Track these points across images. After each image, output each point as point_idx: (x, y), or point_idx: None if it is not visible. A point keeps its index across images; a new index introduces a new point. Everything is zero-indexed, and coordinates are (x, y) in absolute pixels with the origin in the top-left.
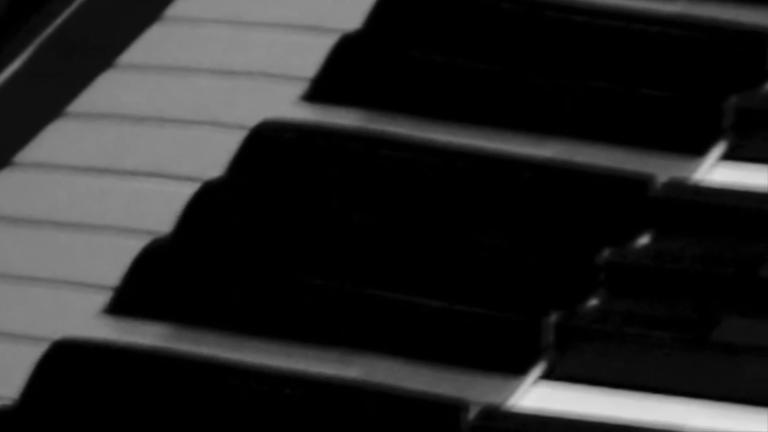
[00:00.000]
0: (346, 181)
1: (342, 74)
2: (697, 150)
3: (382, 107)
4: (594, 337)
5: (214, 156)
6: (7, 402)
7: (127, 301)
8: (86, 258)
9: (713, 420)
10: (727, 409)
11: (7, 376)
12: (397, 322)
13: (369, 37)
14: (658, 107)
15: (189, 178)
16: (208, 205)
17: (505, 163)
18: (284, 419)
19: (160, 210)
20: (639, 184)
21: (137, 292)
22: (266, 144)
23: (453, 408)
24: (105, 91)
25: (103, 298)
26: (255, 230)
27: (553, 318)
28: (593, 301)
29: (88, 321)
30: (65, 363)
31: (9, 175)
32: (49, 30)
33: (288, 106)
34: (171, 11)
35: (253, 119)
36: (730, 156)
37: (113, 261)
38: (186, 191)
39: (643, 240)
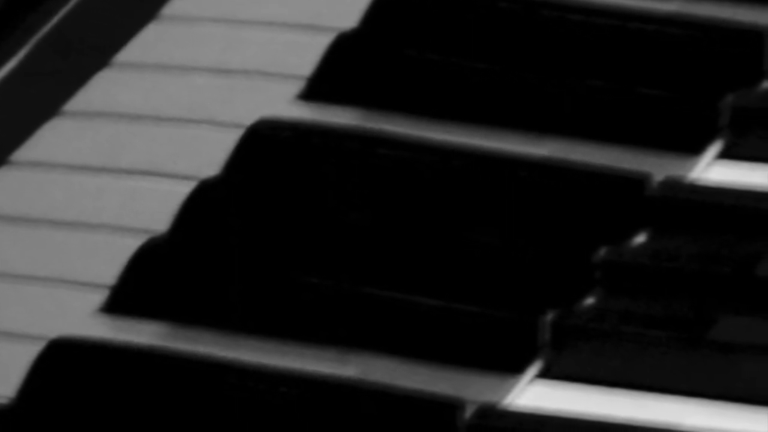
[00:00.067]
0: (342, 179)
1: (338, 73)
2: (694, 149)
3: (378, 106)
4: (591, 335)
5: (210, 155)
6: (4, 401)
7: (123, 299)
8: (82, 256)
9: (710, 419)
10: (723, 407)
11: (4, 375)
12: (393, 321)
13: (365, 36)
14: (654, 106)
15: (185, 177)
16: (204, 203)
17: (501, 162)
18: (281, 418)
19: (157, 209)
20: (635, 182)
21: (134, 291)
22: (263, 143)
23: (449, 407)
24: (101, 89)
25: (100, 297)
26: (251, 229)
27: (549, 316)
28: (590, 300)
29: (85, 320)
30: (62, 362)
31: (5, 174)
32: (46, 29)
33: (284, 104)
34: (167, 10)
35: (249, 118)
36: (726, 155)
37: (109, 260)
38: (182, 190)
39: (640, 239)
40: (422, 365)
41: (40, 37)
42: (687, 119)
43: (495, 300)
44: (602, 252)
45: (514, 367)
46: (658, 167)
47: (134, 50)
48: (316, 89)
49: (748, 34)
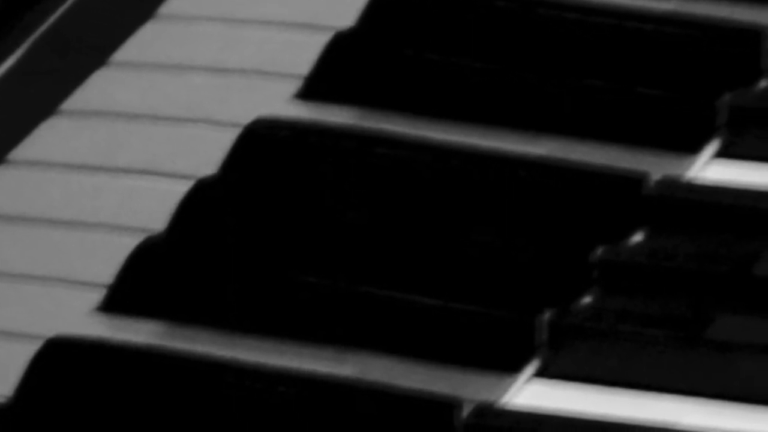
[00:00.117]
0: (339, 178)
1: (336, 72)
2: (691, 148)
3: (376, 105)
4: (588, 334)
5: (207, 154)
6: (1, 400)
7: (120, 298)
8: (80, 255)
9: (707, 418)
10: (721, 406)
11: (1, 374)
12: (391, 320)
13: (363, 35)
14: (651, 105)
15: (183, 176)
16: (201, 202)
17: (499, 161)
18: (278, 417)
19: (154, 208)
20: (633, 181)
21: (131, 290)
22: (260, 142)
23: (447, 406)
24: (99, 88)
25: (97, 296)
26: (249, 228)
27: (546, 316)
28: (587, 299)
29: (82, 318)
30: (59, 361)
31: (2, 173)
32: (43, 28)
33: (282, 103)
34: (165, 9)
35: (246, 117)
36: (723, 154)
37: (107, 258)
38: (180, 189)
39: (637, 238)
40: (420, 364)
41: (37, 36)
42: (684, 118)
43: (492, 299)
44: (599, 251)
45: (511, 367)
46: (655, 166)
47: (132, 49)
48: (314, 88)
49: (746, 34)
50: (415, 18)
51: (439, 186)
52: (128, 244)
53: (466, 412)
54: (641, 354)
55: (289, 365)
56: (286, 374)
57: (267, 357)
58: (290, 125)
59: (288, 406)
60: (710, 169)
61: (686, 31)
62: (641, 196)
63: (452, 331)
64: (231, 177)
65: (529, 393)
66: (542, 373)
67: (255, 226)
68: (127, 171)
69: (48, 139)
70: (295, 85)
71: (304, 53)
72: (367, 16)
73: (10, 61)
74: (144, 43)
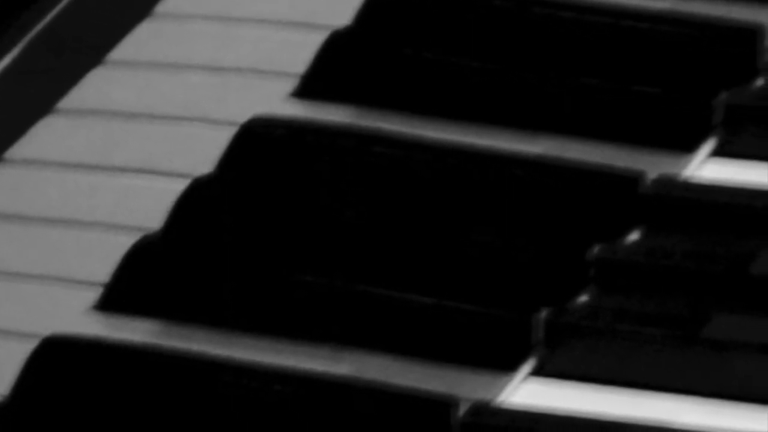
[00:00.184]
0: (336, 177)
1: (332, 71)
2: (688, 146)
3: (372, 104)
4: (584, 333)
5: (204, 152)
6: None
7: (117, 297)
8: (76, 254)
9: (704, 416)
10: (718, 405)
11: None
12: (387, 319)
13: (359, 34)
14: (648, 104)
15: (179, 175)
16: (198, 201)
17: (495, 160)
18: (275, 416)
19: (150, 206)
20: (629, 180)
21: (127, 289)
22: (256, 140)
23: (443, 404)
24: (95, 87)
25: (93, 295)
26: (245, 227)
27: (543, 314)
28: (583, 298)
29: (78, 317)
30: (55, 359)
31: None
32: (39, 27)
33: (278, 102)
34: (161, 8)
35: (243, 116)
36: (720, 152)
37: (103, 257)
38: (176, 188)
39: (634, 236)
40: (416, 363)
41: (33, 35)
42: (681, 117)
43: (489, 298)
44: (596, 250)
45: (507, 365)
46: (651, 165)
47: (128, 48)
48: (310, 87)
49: (742, 32)
50: (411, 17)
51: (436, 185)
52: (125, 242)
53: (462, 410)
54: (638, 353)
55: (285, 364)
56: (283, 373)
57: (263, 356)
58: (287, 124)
59: (284, 404)
60: (707, 167)
61: (682, 30)
62: (638, 194)
63: (449, 330)
64: (227, 176)
65: (526, 392)
66: (539, 371)
67: (251, 224)
68: (123, 170)
69: (44, 137)
70: (291, 84)
71: (301, 52)
72: (364, 15)
73: (7, 60)
74: (140, 41)
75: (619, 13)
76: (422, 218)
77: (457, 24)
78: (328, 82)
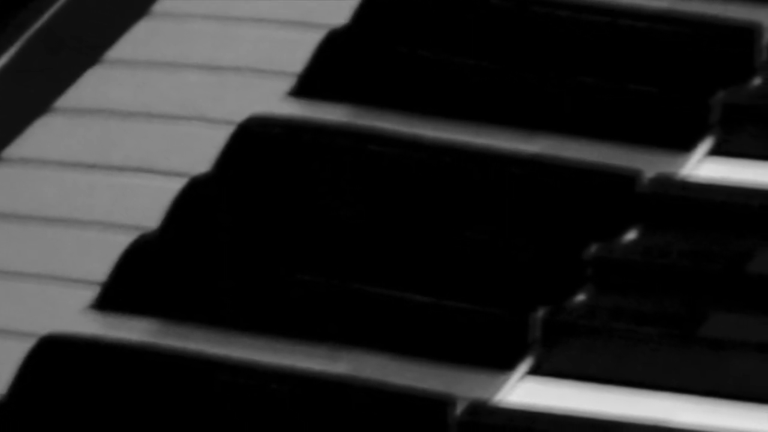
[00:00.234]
0: (333, 176)
1: (329, 70)
2: (685, 145)
3: (369, 103)
4: (581, 332)
5: (201, 151)
6: None
7: (114, 296)
8: (73, 253)
9: (700, 415)
10: (714, 404)
11: None
12: (385, 318)
13: (356, 33)
14: (645, 103)
15: (176, 174)
16: (195, 200)
17: (492, 159)
18: (272, 415)
19: (148, 205)
20: (626, 179)
21: (124, 288)
22: (254, 139)
23: (440, 403)
24: (92, 86)
25: (91, 294)
26: (242, 226)
27: (540, 313)
28: (580, 297)
29: (76, 316)
30: (53, 358)
31: None
32: (37, 26)
33: (275, 101)
34: (158, 7)
35: (240, 114)
36: (717, 151)
37: (100, 256)
38: (173, 186)
39: (631, 235)
40: (413, 362)
41: (30, 34)
42: (678, 116)
43: (486, 297)
44: (593, 249)
45: (505, 364)
46: (649, 164)
47: (125, 47)
48: (307, 86)
49: (739, 31)
50: (408, 16)
51: (433, 183)
52: (122, 241)
53: (459, 409)
54: (635, 351)
55: (282, 363)
56: (280, 372)
57: (260, 355)
58: (284, 123)
59: (282, 404)
60: (704, 166)
61: (679, 29)
62: (635, 193)
63: (446, 329)
64: (225, 174)
65: (523, 390)
66: (536, 370)
67: (248, 223)
68: (120, 169)
69: (42, 136)
70: (288, 83)
71: (298, 51)
72: (361, 14)
73: (4, 59)
74: (138, 40)
75: (617, 12)
76: (419, 217)
77: (454, 23)
78: (325, 81)
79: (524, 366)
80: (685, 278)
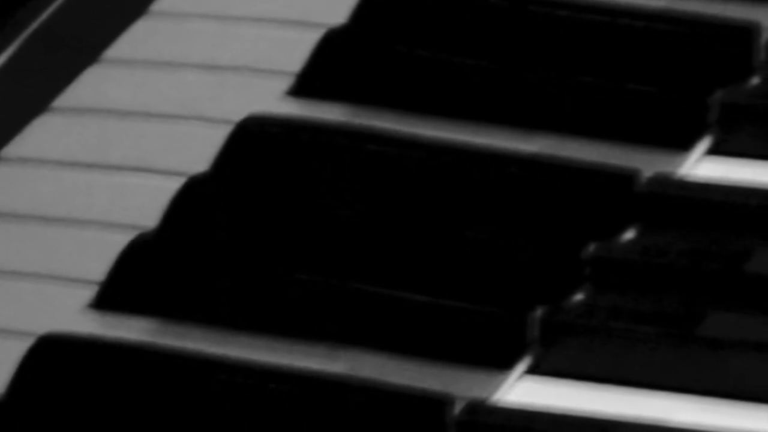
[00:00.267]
0: (331, 175)
1: (327, 69)
2: (683, 145)
3: (367, 102)
4: (579, 331)
5: (199, 151)
6: None
7: (112, 295)
8: (72, 252)
9: (698, 414)
10: (712, 403)
11: None
12: (382, 317)
13: (354, 32)
14: (643, 102)
15: (174, 173)
16: (193, 199)
17: (490, 158)
18: (270, 414)
19: (146, 204)
20: (624, 178)
21: (123, 287)
22: (252, 139)
23: (438, 402)
24: (91, 85)
25: (89, 293)
26: (240, 225)
27: (538, 313)
28: (579, 296)
29: (74, 315)
30: (51, 358)
31: None
32: (35, 25)
33: (274, 100)
34: (156, 6)
35: (238, 114)
36: (715, 151)
37: (99, 255)
38: (171, 186)
39: (629, 235)
40: (411, 361)
41: (29, 33)
42: (676, 115)
43: (484, 296)
44: (591, 248)
45: (503, 363)
46: (647, 163)
47: (123, 46)
48: (306, 85)
49: (738, 30)
50: (406, 15)
51: (431, 183)
52: (120, 241)
53: (457, 408)
54: (633, 351)
55: (280, 362)
56: (278, 371)
57: (258, 354)
58: (282, 122)
59: (280, 403)
60: (702, 166)
61: (678, 28)
62: (633, 193)
63: (444, 328)
64: (223, 174)
65: (521, 390)
66: (534, 370)
67: (246, 223)
68: (119, 168)
69: (40, 136)
70: (287, 82)
71: (296, 50)
72: (359, 13)
73: (2, 58)
74: (136, 40)
75: (615, 11)
76: (417, 216)
77: (452, 22)
78: (323, 81)
79: (522, 365)
80: (684, 278)
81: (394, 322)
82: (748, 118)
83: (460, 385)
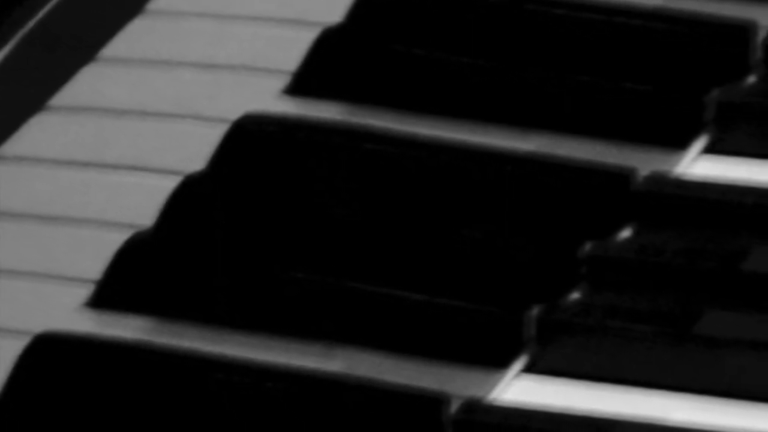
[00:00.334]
0: (328, 174)
1: (324, 68)
2: (679, 143)
3: (364, 101)
4: (576, 330)
5: (196, 149)
6: None
7: (108, 294)
8: (68, 251)
9: (695, 413)
10: (708, 402)
11: None
12: (379, 316)
13: (350, 31)
14: (639, 100)
15: (171, 172)
16: (189, 198)
17: (487, 157)
18: (267, 412)
19: (142, 203)
20: (621, 177)
21: (119, 286)
22: (248, 137)
23: (435, 401)
24: (87, 84)
25: (85, 292)
26: (237, 224)
27: (534, 311)
28: (575, 295)
29: (70, 314)
30: (47, 356)
31: None
32: (32, 23)
33: (270, 99)
34: (153, 5)
35: (235, 113)
36: (711, 149)
37: (95, 254)
38: (168, 185)
39: (625, 233)
40: (408, 360)
41: (25, 32)
42: (672, 114)
43: (480, 295)
44: (588, 247)
45: (499, 362)
46: (643, 162)
47: (120, 45)
48: (302, 84)
49: (734, 29)
50: (402, 14)
51: (427, 182)
52: (116, 239)
53: (454, 407)
54: (629, 350)
55: (277, 361)
56: (274, 370)
57: (255, 353)
58: (278, 121)
59: (276, 401)
60: (698, 164)
61: (674, 27)
62: (629, 191)
63: (440, 327)
64: (219, 172)
65: (518, 388)
66: (530, 368)
67: (243, 221)
68: (115, 167)
69: (36, 134)
70: (283, 81)
71: (293, 49)
72: (355, 12)
73: None
74: (132, 38)
75: (612, 9)
76: (414, 215)
77: (448, 21)
78: (319, 79)
79: (519, 364)
80: (680, 276)
81: (390, 320)
82: (744, 116)
83: (456, 383)
